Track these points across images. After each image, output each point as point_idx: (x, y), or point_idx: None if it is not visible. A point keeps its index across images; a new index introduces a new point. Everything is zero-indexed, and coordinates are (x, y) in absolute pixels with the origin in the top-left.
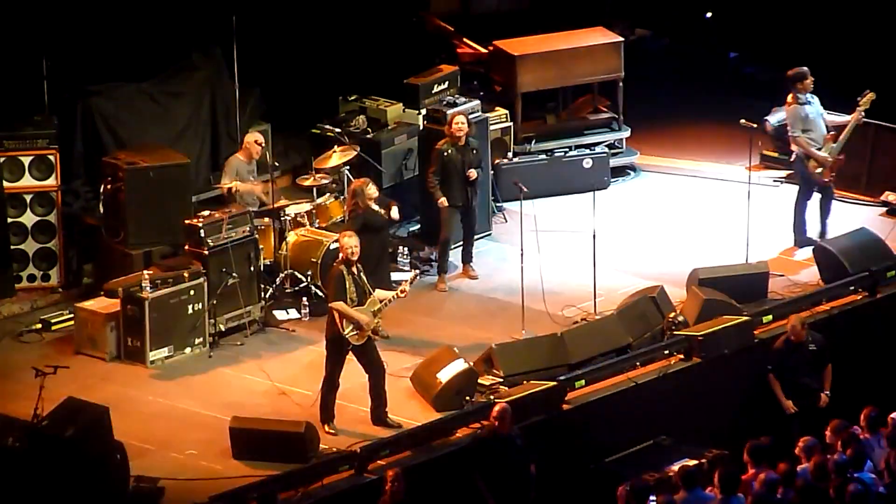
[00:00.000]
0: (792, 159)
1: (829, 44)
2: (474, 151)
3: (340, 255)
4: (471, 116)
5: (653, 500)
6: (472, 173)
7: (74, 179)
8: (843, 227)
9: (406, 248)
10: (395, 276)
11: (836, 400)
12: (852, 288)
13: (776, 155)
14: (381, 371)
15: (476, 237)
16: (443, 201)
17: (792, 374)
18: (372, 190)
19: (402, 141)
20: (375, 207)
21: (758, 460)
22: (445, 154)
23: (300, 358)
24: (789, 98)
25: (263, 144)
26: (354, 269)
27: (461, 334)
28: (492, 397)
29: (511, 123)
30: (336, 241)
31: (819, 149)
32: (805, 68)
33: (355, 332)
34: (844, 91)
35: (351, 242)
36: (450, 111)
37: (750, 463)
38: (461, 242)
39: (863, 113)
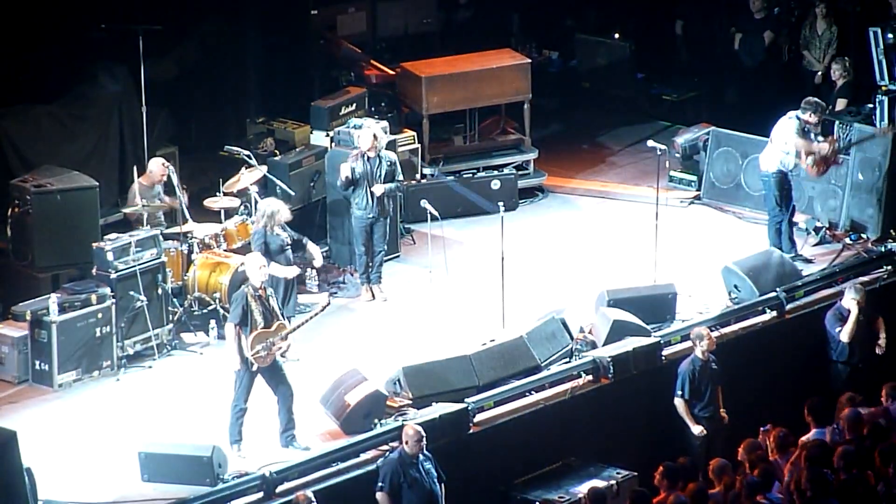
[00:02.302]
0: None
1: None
2: (389, 164)
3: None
4: None
5: None
6: (376, 189)
7: None
8: (752, 248)
9: (314, 271)
10: (305, 299)
11: (744, 420)
12: (760, 309)
13: (684, 176)
14: (290, 393)
15: (385, 258)
16: (343, 168)
17: (703, 395)
18: (283, 215)
19: (310, 163)
20: (279, 230)
21: (672, 482)
22: (353, 165)
23: (208, 380)
24: (794, 113)
25: (168, 167)
26: (262, 293)
27: (370, 356)
28: (401, 419)
29: (419, 145)
30: (243, 263)
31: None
32: (823, 104)
33: (261, 355)
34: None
35: (255, 265)
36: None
37: (664, 485)
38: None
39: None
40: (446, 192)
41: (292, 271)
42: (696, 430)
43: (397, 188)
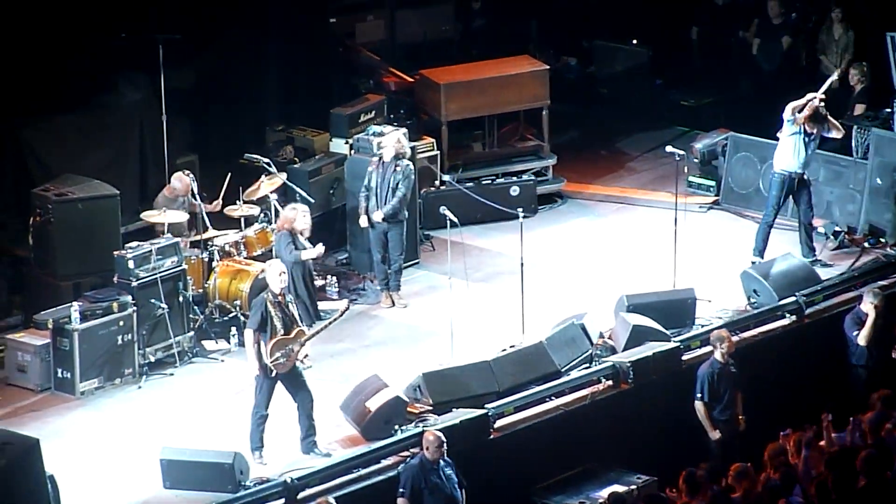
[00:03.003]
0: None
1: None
2: (398, 170)
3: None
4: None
5: None
6: (375, 216)
7: (4, 211)
8: (771, 252)
9: (334, 278)
10: (325, 305)
11: (764, 424)
12: (780, 313)
13: (703, 181)
14: (310, 399)
15: (405, 265)
16: (362, 220)
17: (722, 398)
18: (301, 222)
19: (330, 170)
20: (301, 239)
21: (693, 489)
22: (369, 171)
23: (229, 387)
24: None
25: (190, 179)
26: (282, 299)
27: (390, 362)
28: (421, 425)
29: (438, 152)
30: (263, 271)
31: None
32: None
33: (280, 361)
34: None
35: (275, 272)
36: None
37: (685, 491)
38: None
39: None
40: (466, 199)
41: (318, 249)
42: (714, 435)
43: (397, 205)
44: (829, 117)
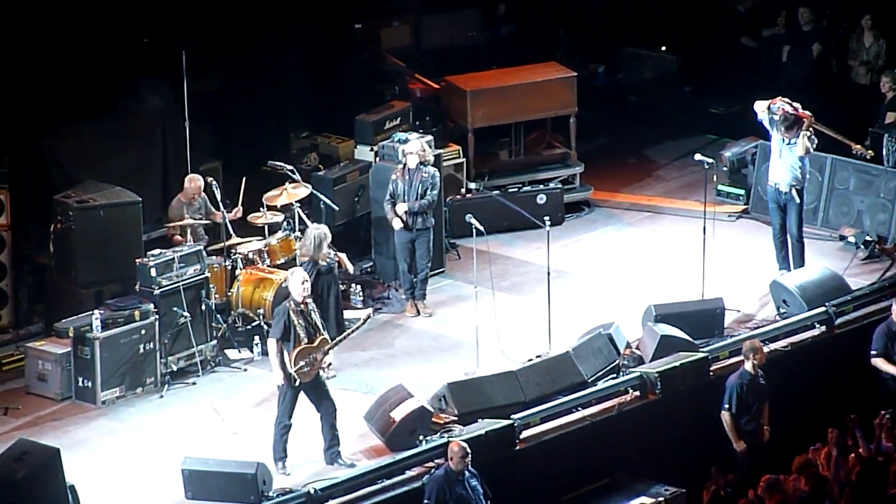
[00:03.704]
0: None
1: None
2: (424, 176)
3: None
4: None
5: None
6: (399, 207)
7: (25, 219)
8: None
9: (359, 287)
10: (348, 314)
11: (794, 436)
12: (810, 324)
13: (732, 189)
14: (333, 409)
15: (430, 273)
16: (396, 222)
17: (750, 409)
18: (329, 240)
19: (354, 177)
20: (325, 250)
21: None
22: (393, 179)
23: (252, 397)
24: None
25: (200, 180)
26: (304, 307)
27: (415, 372)
28: (446, 436)
29: (464, 159)
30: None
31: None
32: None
33: (304, 370)
34: None
35: (297, 280)
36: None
37: None
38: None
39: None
40: (492, 207)
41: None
42: (739, 446)
43: (425, 205)
44: (805, 133)
